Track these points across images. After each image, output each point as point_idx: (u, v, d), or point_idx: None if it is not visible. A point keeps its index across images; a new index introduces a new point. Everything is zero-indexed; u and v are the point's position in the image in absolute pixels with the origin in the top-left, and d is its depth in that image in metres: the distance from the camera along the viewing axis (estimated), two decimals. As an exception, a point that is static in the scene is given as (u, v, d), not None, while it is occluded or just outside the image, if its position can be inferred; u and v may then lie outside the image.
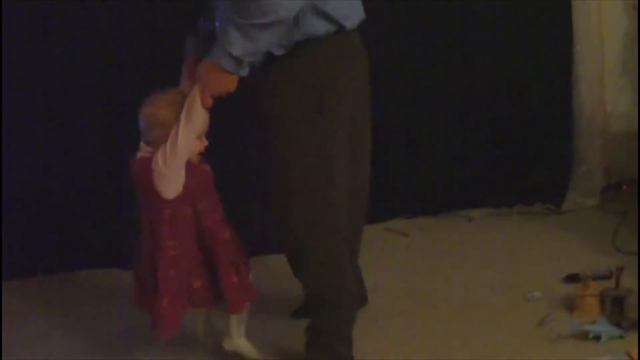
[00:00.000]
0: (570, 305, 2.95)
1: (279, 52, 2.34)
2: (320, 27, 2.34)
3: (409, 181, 4.07)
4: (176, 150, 2.29)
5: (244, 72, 2.29)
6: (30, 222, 3.68)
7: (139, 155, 2.41)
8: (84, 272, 3.67)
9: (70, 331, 3.11)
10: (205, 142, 2.40)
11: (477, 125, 4.08)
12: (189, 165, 2.36)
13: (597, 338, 2.69)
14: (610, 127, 4.08)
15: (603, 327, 2.71)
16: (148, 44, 3.53)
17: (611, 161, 4.08)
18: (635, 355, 2.54)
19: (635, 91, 4.05)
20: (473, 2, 3.92)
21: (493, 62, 4.02)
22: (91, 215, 3.72)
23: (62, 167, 3.66)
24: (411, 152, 4.08)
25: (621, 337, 2.69)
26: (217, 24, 2.38)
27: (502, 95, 4.07)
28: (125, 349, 2.93)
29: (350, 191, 2.57)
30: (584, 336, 2.71)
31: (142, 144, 2.40)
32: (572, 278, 3.15)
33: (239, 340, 2.65)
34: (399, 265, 3.52)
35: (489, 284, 3.23)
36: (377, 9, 3.73)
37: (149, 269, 2.46)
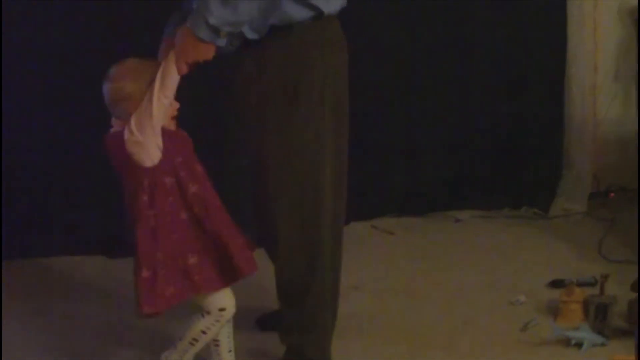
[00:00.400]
0: (554, 310, 2.95)
1: (252, 36, 2.30)
2: (297, 12, 2.29)
3: (397, 179, 4.06)
4: (151, 115, 2.24)
5: (221, 42, 2.24)
6: (15, 205, 3.65)
7: (112, 130, 2.36)
8: (68, 258, 3.63)
9: (52, 318, 3.08)
10: (177, 105, 2.33)
11: (467, 126, 4.08)
12: (165, 132, 2.29)
13: (579, 345, 2.68)
14: (601, 133, 4.08)
15: (586, 333, 2.70)
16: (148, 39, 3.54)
17: (599, 168, 4.08)
18: (617, 363, 2.55)
19: (627, 98, 4.05)
20: (468, 6, 3.93)
21: (486, 65, 4.03)
22: (78, 201, 3.70)
23: (49, 152, 3.64)
24: (400, 150, 4.07)
25: (603, 344, 2.69)
26: None
27: (493, 97, 4.07)
28: (108, 338, 2.90)
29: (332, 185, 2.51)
30: (566, 342, 2.70)
31: (113, 120, 2.35)
32: (556, 284, 3.15)
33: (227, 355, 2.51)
34: (384, 264, 3.51)
35: (473, 286, 3.23)
36: (373, 7, 3.84)
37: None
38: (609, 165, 4.09)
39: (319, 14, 2.33)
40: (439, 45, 3.98)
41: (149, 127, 2.24)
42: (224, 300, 2.38)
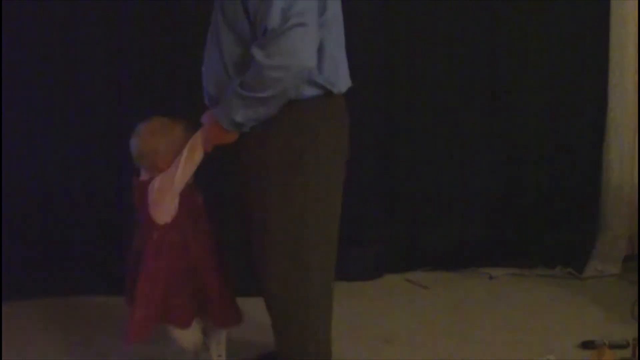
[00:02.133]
0: (584, 371, 2.96)
1: None
2: (308, 92, 2.38)
3: (432, 233, 4.11)
4: (173, 183, 2.45)
5: (246, 129, 2.37)
6: (36, 245, 3.78)
7: (141, 178, 2.57)
8: (87, 297, 3.70)
9: (90, 355, 3.14)
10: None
11: (504, 184, 4.13)
12: (180, 194, 2.51)
13: (609, 407, 2.69)
14: (637, 198, 4.09)
15: (615, 396, 2.71)
16: (154, 46, 3.71)
17: (635, 232, 4.08)
18: None
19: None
20: (512, 71, 4.02)
21: (525, 126, 4.09)
22: (97, 241, 3.80)
23: (72, 192, 3.77)
24: (436, 205, 4.13)
25: (633, 408, 2.70)
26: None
27: (532, 157, 4.12)
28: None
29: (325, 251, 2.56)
30: (595, 404, 2.71)
31: (142, 170, 2.58)
32: (587, 345, 3.15)
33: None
34: (417, 318, 3.53)
35: (504, 344, 3.23)
36: (404, 46, 3.93)
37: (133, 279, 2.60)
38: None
39: (327, 93, 2.42)
40: (477, 104, 4.06)
41: (169, 194, 2.47)
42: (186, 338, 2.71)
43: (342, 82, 2.50)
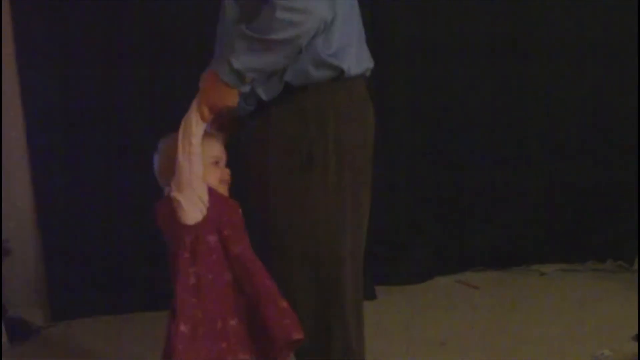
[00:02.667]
0: (640, 364, 2.96)
1: (267, 97, 2.19)
2: (315, 74, 2.16)
3: (480, 234, 4.14)
4: (183, 170, 2.17)
5: (245, 88, 2.13)
6: (101, 263, 3.87)
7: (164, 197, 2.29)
8: (153, 313, 3.75)
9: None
10: (227, 170, 2.27)
11: (552, 179, 4.15)
12: (215, 195, 2.22)
13: (665, 398, 2.70)
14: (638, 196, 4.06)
15: (671, 387, 2.72)
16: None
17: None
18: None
19: None
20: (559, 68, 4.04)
21: (572, 117, 4.11)
22: (161, 257, 3.85)
23: (133, 212, 3.81)
24: (483, 205, 4.16)
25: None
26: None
27: (579, 150, 4.14)
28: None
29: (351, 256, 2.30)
30: (651, 396, 2.73)
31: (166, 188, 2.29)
32: (642, 337, 3.16)
33: None
34: (469, 318, 3.56)
35: (558, 339, 3.25)
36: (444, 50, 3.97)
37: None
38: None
39: (339, 75, 2.17)
40: (520, 101, 4.09)
41: (186, 184, 2.18)
42: None
43: (360, 61, 2.23)
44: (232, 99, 2.13)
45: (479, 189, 4.14)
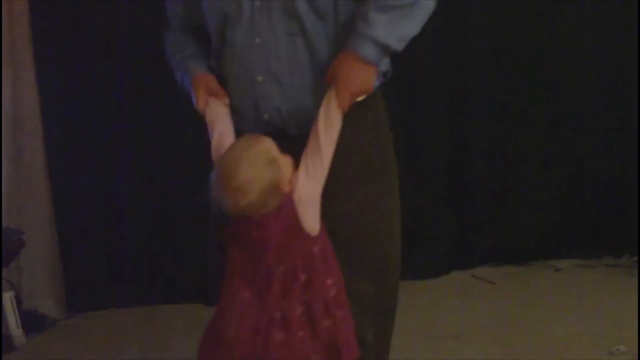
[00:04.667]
0: (655, 360, 2.95)
1: None
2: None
3: (497, 229, 4.13)
4: (323, 164, 1.91)
5: (385, 65, 2.08)
6: (117, 256, 3.89)
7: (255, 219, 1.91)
8: (168, 306, 3.82)
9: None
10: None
11: (568, 173, 4.13)
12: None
13: (681, 394, 2.69)
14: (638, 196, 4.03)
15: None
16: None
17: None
18: None
19: None
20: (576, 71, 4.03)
21: (588, 113, 4.09)
22: (177, 250, 3.89)
23: (149, 205, 3.86)
24: (499, 199, 4.15)
25: None
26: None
27: (595, 145, 4.12)
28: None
29: None
30: (667, 392, 2.72)
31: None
32: (658, 333, 3.15)
33: None
34: (485, 313, 3.55)
35: (573, 335, 3.24)
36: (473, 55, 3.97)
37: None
38: None
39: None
40: (537, 97, 4.07)
41: (319, 178, 1.92)
42: None
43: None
44: (371, 80, 2.01)
45: (496, 185, 4.13)
